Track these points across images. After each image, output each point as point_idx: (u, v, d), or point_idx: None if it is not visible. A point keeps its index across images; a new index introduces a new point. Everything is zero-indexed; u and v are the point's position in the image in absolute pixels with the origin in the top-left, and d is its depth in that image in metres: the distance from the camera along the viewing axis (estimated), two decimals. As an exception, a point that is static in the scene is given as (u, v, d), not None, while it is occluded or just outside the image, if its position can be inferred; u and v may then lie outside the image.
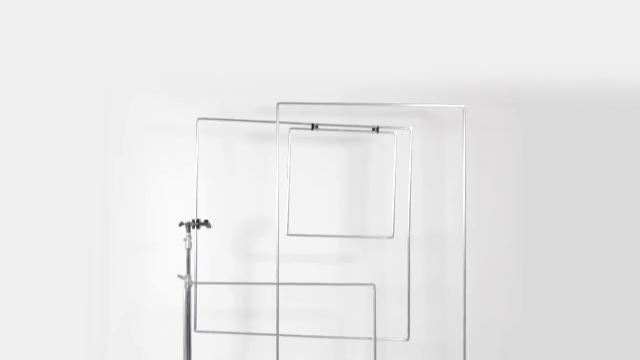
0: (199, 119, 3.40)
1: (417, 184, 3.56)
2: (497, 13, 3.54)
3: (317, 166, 3.62)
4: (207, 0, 3.53)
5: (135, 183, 3.60)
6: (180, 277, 3.09)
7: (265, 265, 3.54)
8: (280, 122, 3.27)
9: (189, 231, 3.13)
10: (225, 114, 3.53)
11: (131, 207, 3.60)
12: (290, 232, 3.38)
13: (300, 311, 3.59)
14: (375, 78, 3.57)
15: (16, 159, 3.50)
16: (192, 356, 3.14)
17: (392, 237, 3.43)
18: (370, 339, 3.44)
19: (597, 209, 3.56)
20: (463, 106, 3.32)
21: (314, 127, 3.33)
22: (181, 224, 3.15)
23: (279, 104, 3.25)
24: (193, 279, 3.21)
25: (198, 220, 3.19)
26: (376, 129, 3.36)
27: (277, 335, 3.21)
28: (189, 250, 3.12)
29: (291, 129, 3.38)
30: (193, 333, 3.21)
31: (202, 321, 3.40)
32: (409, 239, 3.40)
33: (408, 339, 3.44)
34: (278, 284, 3.23)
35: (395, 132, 3.44)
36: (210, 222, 3.21)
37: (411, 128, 3.42)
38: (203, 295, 3.46)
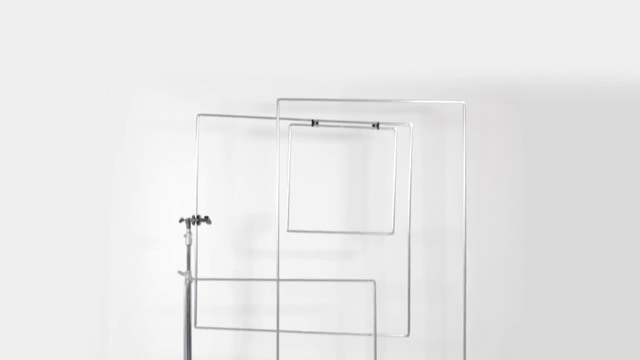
0: (199, 114, 3.40)
1: (417, 179, 3.56)
2: (497, 9, 3.54)
3: (317, 162, 3.62)
4: (207, -4, 3.53)
5: (135, 179, 3.60)
6: (180, 273, 3.09)
7: (265, 261, 3.54)
8: (280, 118, 3.27)
9: (189, 227, 3.13)
10: (225, 110, 3.53)
11: (131, 203, 3.60)
12: (290, 228, 3.38)
13: (300, 307, 3.59)
14: (375, 74, 3.57)
15: (16, 156, 3.50)
16: (192, 352, 3.14)
17: (392, 233, 3.43)
18: (370, 334, 3.44)
19: (597, 205, 3.56)
20: (463, 102, 3.31)
21: (314, 123, 3.33)
22: (181, 220, 3.15)
23: (279, 99, 3.25)
24: (193, 275, 3.22)
25: (198, 216, 3.19)
26: (376, 125, 3.36)
27: (277, 331, 3.21)
28: (189, 246, 3.12)
29: (291, 124, 3.38)
30: (193, 329, 3.21)
31: (202, 317, 3.41)
32: (409, 234, 3.40)
33: (408, 335, 3.44)
34: (278, 280, 3.23)
35: (395, 128, 3.44)
36: (210, 218, 3.21)
37: (411, 124, 3.42)
38: (203, 291, 3.46)
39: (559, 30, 3.54)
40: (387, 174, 3.53)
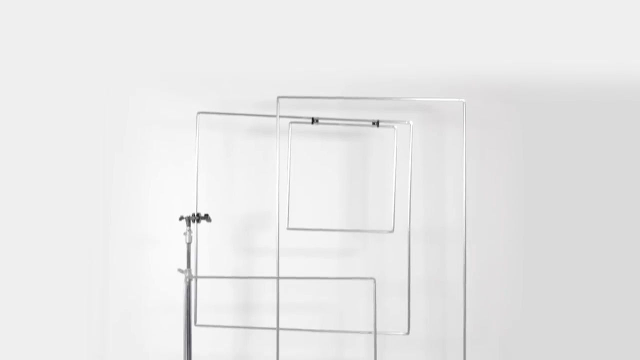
0: (199, 112, 3.39)
1: (417, 177, 3.56)
2: (497, 8, 3.53)
3: (317, 160, 3.61)
4: (206, -6, 3.53)
5: (135, 177, 3.60)
6: (180, 270, 3.09)
7: (265, 259, 3.54)
8: (280, 116, 3.27)
9: (189, 225, 3.13)
10: (225, 108, 3.53)
11: (131, 201, 3.60)
12: (290, 226, 3.38)
13: (300, 305, 3.59)
14: (375, 72, 3.57)
15: (17, 155, 3.50)
16: (192, 350, 3.14)
17: (392, 231, 3.43)
18: (370, 332, 3.44)
19: (596, 203, 3.56)
20: (463, 100, 3.31)
21: (314, 120, 3.33)
22: (181, 218, 3.15)
23: (279, 97, 3.25)
24: (193, 273, 3.22)
25: (198, 214, 3.19)
26: (376, 123, 3.36)
27: (277, 329, 3.21)
28: (188, 244, 3.12)
29: (291, 122, 3.38)
30: (193, 327, 3.21)
31: (202, 315, 3.41)
32: (409, 232, 3.40)
33: (408, 333, 3.44)
34: (278, 278, 3.23)
35: (395, 126, 3.44)
36: (210, 216, 3.21)
37: (411, 122, 3.42)
38: (203, 289, 3.46)
39: (559, 29, 3.53)
40: (387, 172, 3.53)
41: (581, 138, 3.57)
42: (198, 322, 3.38)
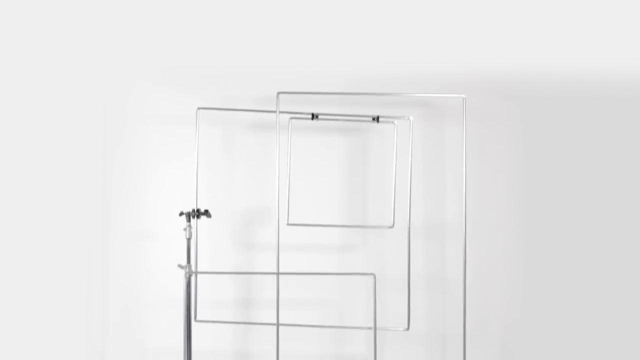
0: (199, 108, 3.39)
1: (417, 173, 3.55)
2: (497, 3, 3.53)
3: (317, 156, 3.61)
4: (206, -11, 3.52)
5: (135, 173, 3.60)
6: (180, 266, 3.09)
7: (265, 254, 3.54)
8: (280, 112, 3.27)
9: (189, 221, 3.13)
10: (225, 104, 3.53)
11: (131, 196, 3.60)
12: (290, 222, 3.38)
13: (300, 301, 3.59)
14: (376, 67, 3.56)
15: (16, 150, 3.50)
16: (192, 345, 3.14)
17: (392, 226, 3.43)
18: (370, 328, 3.44)
19: (596, 199, 3.55)
20: (463, 96, 3.31)
21: (313, 116, 3.32)
22: (181, 214, 3.15)
23: (278, 93, 3.25)
24: (193, 269, 3.22)
25: (198, 210, 3.19)
26: (376, 119, 3.36)
27: (277, 324, 3.21)
28: (189, 239, 3.12)
29: (291, 118, 3.38)
30: (193, 322, 3.21)
31: (202, 310, 3.41)
32: (409, 228, 3.40)
33: (408, 329, 3.44)
34: (278, 274, 3.23)
35: (395, 122, 3.43)
36: (210, 211, 3.21)
37: (411, 117, 3.41)
38: (203, 285, 3.46)
39: (559, 25, 3.53)
40: (387, 168, 3.53)
41: (581, 134, 3.56)
42: (198, 318, 3.38)
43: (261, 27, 3.53)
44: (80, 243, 3.57)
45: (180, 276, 3.27)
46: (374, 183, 3.61)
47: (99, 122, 3.58)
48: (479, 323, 3.60)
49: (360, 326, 3.57)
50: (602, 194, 3.55)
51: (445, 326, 3.64)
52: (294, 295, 3.54)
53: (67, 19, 3.50)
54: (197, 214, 3.17)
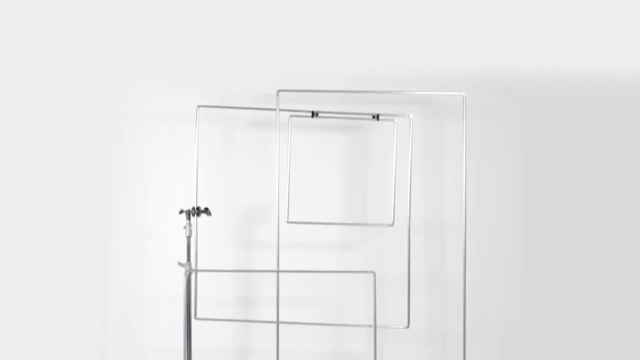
0: (199, 106, 3.39)
1: (417, 171, 3.55)
2: (497, 1, 3.53)
3: (317, 153, 3.61)
4: (206, -13, 3.52)
5: (135, 170, 3.60)
6: (180, 264, 3.09)
7: (265, 252, 3.54)
8: (280, 110, 3.26)
9: (189, 218, 3.13)
10: (225, 101, 3.53)
11: (131, 194, 3.60)
12: (290, 220, 3.38)
13: (300, 298, 3.59)
14: (376, 65, 3.56)
15: (16, 148, 3.50)
16: (192, 343, 3.15)
17: (392, 224, 3.43)
18: (370, 326, 3.45)
19: (596, 198, 3.55)
20: (463, 94, 3.30)
21: (313, 114, 3.32)
22: (181, 212, 3.15)
23: (279, 91, 3.24)
24: (193, 267, 3.22)
25: (198, 208, 3.19)
26: (376, 117, 3.35)
27: (277, 322, 3.21)
28: (189, 237, 3.12)
29: (291, 116, 3.37)
30: (193, 320, 3.21)
31: (202, 308, 3.41)
32: (409, 226, 3.40)
33: (408, 327, 3.44)
34: (278, 272, 3.23)
35: (396, 120, 3.43)
36: (210, 209, 3.21)
37: (411, 115, 3.41)
38: (203, 283, 3.46)
39: (559, 23, 3.53)
40: (387, 166, 3.53)
41: (581, 132, 3.56)
42: (198, 316, 3.38)
43: (261, 25, 3.53)
44: (80, 241, 3.56)
45: (180, 274, 3.27)
46: (374, 181, 3.61)
47: (99, 120, 3.58)
48: (478, 321, 3.60)
49: (360, 324, 3.57)
50: (602, 192, 3.55)
51: (445, 324, 3.64)
52: (294, 293, 3.54)
53: (66, 18, 3.50)
54: (197, 211, 3.17)
